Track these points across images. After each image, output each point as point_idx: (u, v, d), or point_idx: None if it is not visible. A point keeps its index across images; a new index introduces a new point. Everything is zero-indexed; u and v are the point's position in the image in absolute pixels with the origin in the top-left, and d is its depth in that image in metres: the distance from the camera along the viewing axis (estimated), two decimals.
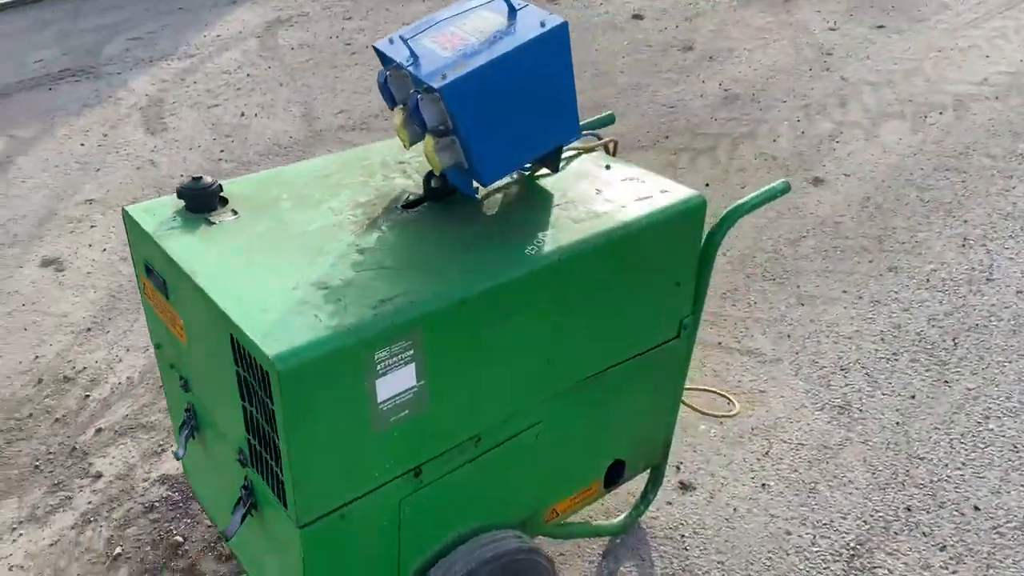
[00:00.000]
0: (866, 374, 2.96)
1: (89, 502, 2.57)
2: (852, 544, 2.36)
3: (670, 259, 1.92)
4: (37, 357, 3.22)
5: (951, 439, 2.69)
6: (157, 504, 2.55)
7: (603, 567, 2.32)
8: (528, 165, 1.98)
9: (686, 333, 2.07)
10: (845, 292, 3.39)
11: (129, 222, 1.79)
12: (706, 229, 1.99)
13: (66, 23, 7.20)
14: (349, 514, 1.57)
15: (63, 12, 7.51)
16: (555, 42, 1.70)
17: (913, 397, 2.86)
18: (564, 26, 1.70)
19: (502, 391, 1.72)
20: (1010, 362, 2.99)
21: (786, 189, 2.17)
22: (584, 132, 2.26)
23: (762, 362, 3.04)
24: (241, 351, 1.45)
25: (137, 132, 5.14)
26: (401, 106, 1.79)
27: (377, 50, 1.83)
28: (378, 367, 1.47)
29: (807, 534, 2.39)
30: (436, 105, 1.68)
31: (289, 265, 1.60)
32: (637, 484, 2.38)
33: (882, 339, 3.13)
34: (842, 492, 2.52)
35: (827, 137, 4.64)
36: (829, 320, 3.24)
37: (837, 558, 2.32)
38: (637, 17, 6.60)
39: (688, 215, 1.90)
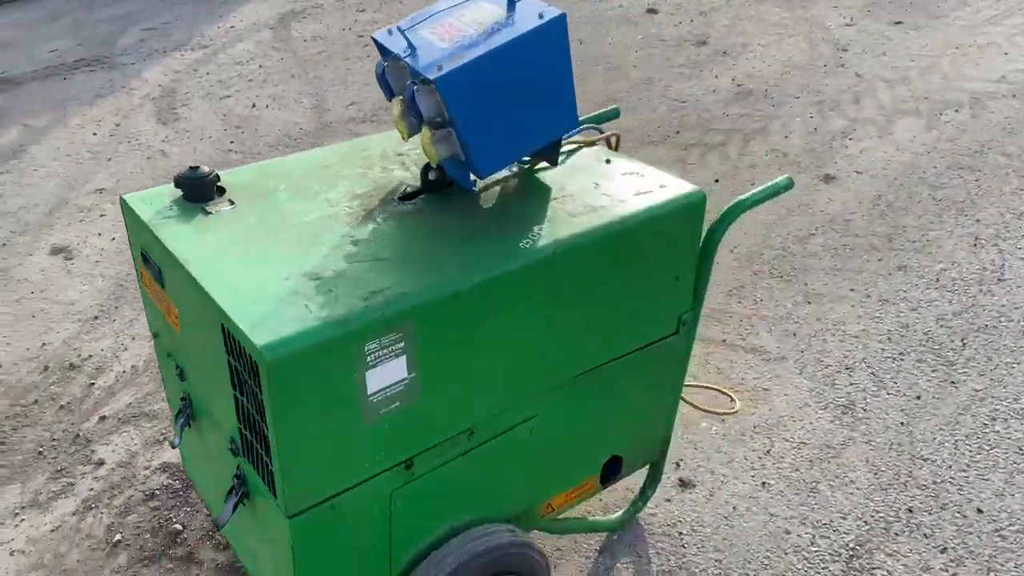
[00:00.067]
0: (871, 373, 2.94)
1: (91, 489, 2.59)
2: (851, 544, 2.34)
3: (669, 254, 1.90)
4: (44, 344, 3.24)
5: (956, 440, 2.66)
6: (158, 492, 2.56)
7: (599, 563, 2.31)
8: (527, 158, 1.97)
9: (685, 329, 2.06)
10: (853, 290, 3.36)
11: (127, 210, 1.79)
12: (708, 225, 1.98)
13: (80, 13, 7.25)
14: (339, 505, 1.57)
15: (78, 3, 7.56)
16: (553, 34, 1.69)
17: (919, 397, 2.83)
18: (562, 18, 1.68)
19: (495, 385, 1.71)
20: (1019, 363, 2.95)
21: (789, 185, 2.15)
22: (587, 126, 2.24)
23: (766, 360, 3.01)
24: (231, 340, 1.45)
25: (149, 122, 5.16)
26: (399, 97, 1.78)
27: (376, 41, 1.82)
28: (368, 359, 1.47)
29: (806, 534, 2.38)
30: (432, 97, 1.67)
31: (283, 255, 1.60)
32: (636, 480, 2.37)
33: (889, 338, 3.10)
34: (843, 492, 2.50)
35: (840, 134, 4.59)
36: (836, 318, 3.21)
37: (836, 558, 2.30)
38: (651, 11, 6.56)
39: (687, 210, 1.88)
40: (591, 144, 2.12)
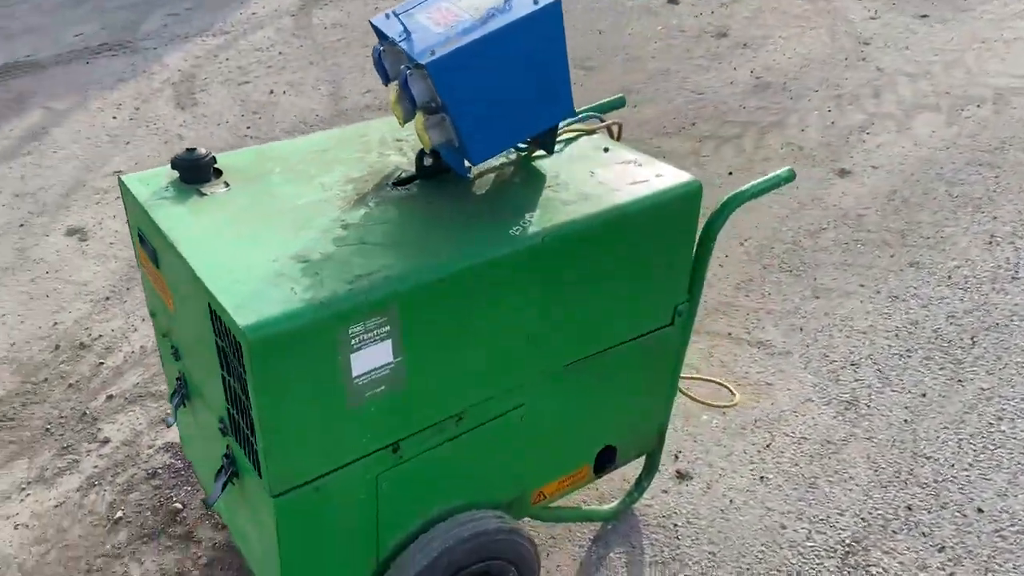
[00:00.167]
0: (877, 370, 2.91)
1: (95, 466, 2.63)
2: (848, 541, 2.32)
3: (663, 244, 1.89)
4: (56, 323, 3.29)
5: (960, 439, 2.63)
6: (160, 471, 2.60)
7: (593, 552, 2.31)
8: (524, 145, 1.97)
9: (681, 320, 2.04)
10: (863, 286, 3.32)
11: (125, 191, 1.81)
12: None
13: None
14: (324, 486, 1.58)
15: None
16: (548, 20, 1.68)
17: (924, 395, 2.80)
18: (557, 4, 1.67)
19: (484, 371, 1.72)
20: None
21: (790, 177, 2.13)
22: (589, 114, 2.24)
23: (771, 354, 2.99)
24: (217, 320, 1.46)
25: (168, 107, 5.21)
26: (395, 82, 1.78)
27: (373, 25, 1.83)
28: (352, 342, 1.47)
29: (802, 529, 2.36)
30: (425, 82, 1.67)
31: (273, 238, 1.61)
32: (633, 471, 2.37)
33: (897, 335, 3.06)
34: (842, 488, 2.48)
35: (857, 128, 4.53)
36: (844, 314, 3.18)
37: (831, 554, 2.29)
38: (672, 2, 6.51)
39: (683, 200, 1.87)
40: (591, 132, 2.11)
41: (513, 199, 1.78)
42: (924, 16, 6.02)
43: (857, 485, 2.49)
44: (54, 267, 3.66)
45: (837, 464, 2.56)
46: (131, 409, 2.86)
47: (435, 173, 1.86)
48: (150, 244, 1.75)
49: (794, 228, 3.70)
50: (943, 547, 2.30)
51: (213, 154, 1.82)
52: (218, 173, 1.84)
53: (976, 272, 3.38)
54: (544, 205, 1.75)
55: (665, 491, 2.49)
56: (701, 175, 4.08)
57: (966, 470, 2.53)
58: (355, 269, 1.51)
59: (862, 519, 2.38)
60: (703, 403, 2.71)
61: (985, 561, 2.26)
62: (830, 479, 2.51)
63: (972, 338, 3.03)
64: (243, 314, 1.38)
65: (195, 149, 1.79)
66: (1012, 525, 2.35)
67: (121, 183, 1.82)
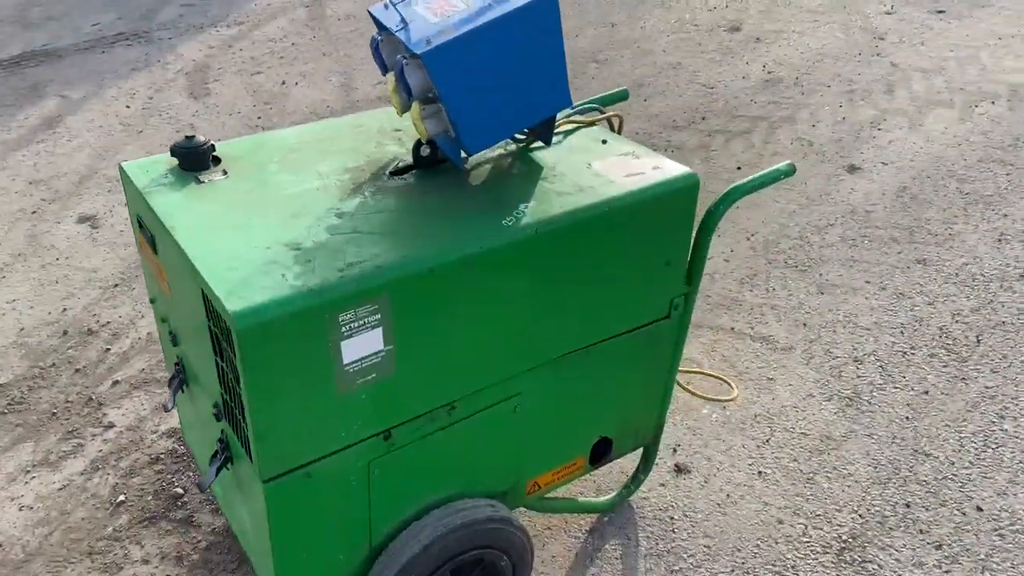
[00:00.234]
0: (880, 367, 2.89)
1: (99, 450, 2.66)
2: (844, 537, 2.32)
3: (659, 237, 1.89)
4: (65, 310, 3.33)
5: (961, 437, 2.61)
6: (163, 456, 2.63)
7: (588, 543, 2.32)
8: (522, 137, 1.98)
9: (677, 313, 2.04)
10: (868, 283, 3.31)
11: (124, 178, 1.83)
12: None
13: None
14: (316, 472, 1.60)
15: None
16: (544, 11, 1.68)
17: (927, 393, 2.78)
18: None
19: (476, 361, 1.72)
20: None
21: (790, 171, 2.12)
22: (591, 106, 2.24)
23: (773, 349, 2.99)
24: (209, 306, 1.48)
25: (181, 96, 5.24)
26: (393, 72, 1.79)
27: (371, 15, 1.83)
28: (343, 329, 1.49)
29: (799, 524, 2.36)
30: (420, 72, 1.68)
31: (267, 225, 1.63)
32: (632, 463, 2.38)
33: (901, 332, 3.05)
34: (840, 484, 2.47)
35: (868, 124, 4.50)
36: (848, 310, 3.17)
37: (827, 550, 2.28)
38: None
39: (680, 194, 1.87)
40: (591, 124, 2.11)
41: (509, 190, 1.79)
42: (941, 11, 5.97)
43: (856, 482, 2.48)
44: (64, 254, 3.70)
45: (836, 460, 2.55)
46: (136, 395, 2.89)
47: (432, 163, 1.87)
48: (148, 230, 1.77)
49: (801, 224, 3.68)
50: (940, 545, 2.29)
51: (212, 142, 1.84)
52: (217, 161, 1.86)
53: (984, 270, 3.35)
54: (539, 196, 1.76)
55: (663, 484, 2.49)
56: (709, 169, 4.08)
57: (967, 468, 2.51)
58: (347, 257, 1.53)
59: (859, 515, 2.38)
60: (702, 397, 2.71)
61: (983, 560, 2.25)
62: (829, 475, 2.51)
63: (978, 336, 3.01)
64: (233, 300, 1.40)
65: (194, 136, 1.81)
66: (1012, 524, 2.34)
67: (121, 170, 1.84)
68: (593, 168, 1.87)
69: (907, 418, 2.69)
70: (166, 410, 1.97)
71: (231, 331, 1.39)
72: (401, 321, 1.55)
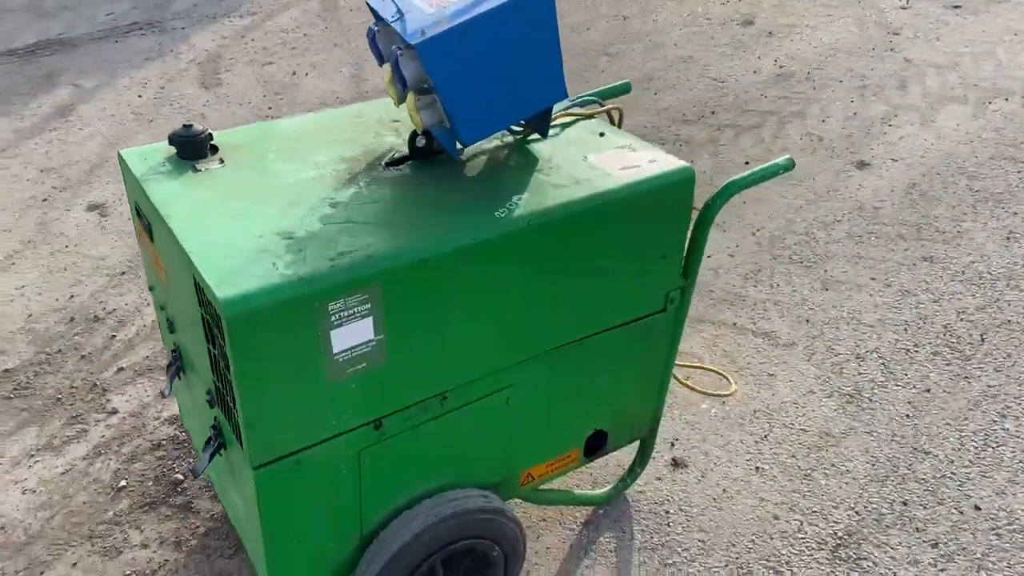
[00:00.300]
0: (882, 364, 2.88)
1: (102, 436, 2.69)
2: (840, 534, 2.31)
3: (654, 231, 1.89)
4: (72, 296, 3.37)
5: (962, 436, 2.60)
6: (164, 443, 2.66)
7: (583, 535, 2.32)
8: (519, 129, 1.98)
9: (673, 307, 2.04)
10: (873, 279, 3.29)
11: (123, 166, 1.85)
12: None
13: None
14: (306, 459, 1.61)
15: None
16: (539, 3, 1.68)
17: (928, 391, 2.77)
18: None
19: (467, 353, 1.73)
20: None
21: (789, 166, 2.12)
22: (590, 99, 2.23)
23: (775, 345, 2.98)
24: (201, 294, 1.49)
25: (192, 86, 5.27)
26: (389, 63, 1.79)
27: (369, 5, 1.84)
28: (332, 318, 1.50)
29: (795, 520, 2.35)
30: (415, 62, 1.68)
31: (261, 214, 1.64)
32: (629, 456, 2.38)
33: (905, 329, 3.03)
34: (838, 481, 2.47)
35: (879, 120, 4.47)
36: (852, 307, 3.15)
37: (822, 546, 2.28)
38: None
39: (675, 187, 1.86)
40: (589, 117, 2.11)
41: (503, 182, 1.79)
42: (957, 6, 5.90)
43: (853, 479, 2.47)
44: (74, 241, 3.74)
45: (835, 457, 2.55)
46: (140, 381, 2.92)
47: (428, 154, 1.88)
48: (145, 218, 1.79)
49: (808, 219, 3.66)
50: (936, 543, 2.28)
51: (210, 131, 1.85)
52: (215, 150, 1.87)
53: (991, 268, 3.32)
54: (533, 188, 1.76)
55: (659, 478, 2.49)
56: (717, 164, 4.07)
57: (966, 467, 2.50)
58: (339, 247, 1.53)
59: (856, 513, 2.37)
60: (699, 391, 2.71)
61: (979, 559, 2.24)
62: (826, 472, 2.50)
63: (982, 335, 2.99)
64: (223, 288, 1.41)
65: (191, 125, 1.82)
66: (1009, 524, 2.32)
67: (120, 158, 1.85)
68: (589, 161, 1.87)
69: (907, 416, 2.67)
70: (163, 396, 1.99)
71: (221, 318, 1.41)
72: (392, 311, 1.56)
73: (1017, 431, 2.60)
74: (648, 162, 1.87)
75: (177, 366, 1.96)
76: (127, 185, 1.90)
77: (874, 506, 2.39)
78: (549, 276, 1.75)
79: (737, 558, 2.25)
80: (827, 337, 3.01)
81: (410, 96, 1.73)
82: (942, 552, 2.25)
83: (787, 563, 2.23)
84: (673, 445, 2.59)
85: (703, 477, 2.49)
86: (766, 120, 4.51)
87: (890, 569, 2.21)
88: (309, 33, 6.01)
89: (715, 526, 2.34)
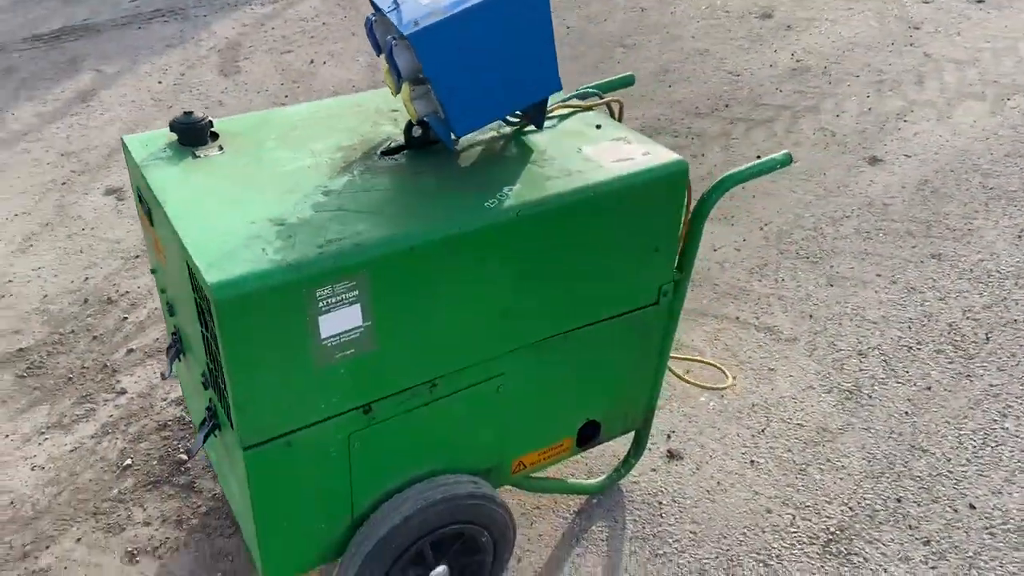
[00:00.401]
0: (884, 361, 2.87)
1: (110, 415, 2.76)
2: (832, 529, 2.32)
3: (646, 223, 1.90)
4: (87, 279, 3.43)
5: (960, 434, 2.59)
6: (170, 423, 2.71)
7: (575, 524, 2.35)
8: (515, 120, 1.99)
9: (667, 300, 2.05)
10: (879, 276, 3.27)
11: (126, 151, 1.89)
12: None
13: None
14: (296, 441, 1.65)
15: None
16: None
17: (929, 388, 2.76)
18: None
19: (456, 341, 1.75)
20: None
21: (787, 161, 2.12)
22: (590, 91, 2.24)
23: (777, 340, 2.98)
24: (192, 278, 1.53)
25: (211, 73, 5.33)
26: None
27: None
28: (320, 304, 1.53)
29: (787, 514, 2.36)
30: (408, 53, 1.71)
31: (256, 201, 1.67)
32: (624, 447, 2.40)
33: (909, 327, 3.02)
34: (832, 477, 2.47)
35: (895, 116, 4.43)
36: (857, 303, 3.14)
37: (814, 541, 2.29)
38: None
39: (668, 180, 1.87)
40: (588, 109, 2.12)
41: (496, 172, 1.81)
42: (980, 1, 5.82)
43: (848, 475, 2.48)
44: (90, 224, 3.81)
45: (830, 452, 2.55)
46: (149, 363, 2.97)
47: (423, 144, 1.90)
48: (146, 203, 1.83)
49: (817, 214, 3.65)
50: (928, 541, 2.28)
51: (210, 118, 1.89)
52: (215, 137, 1.90)
53: (1000, 267, 3.30)
54: (525, 179, 1.78)
55: (654, 469, 2.51)
56: (728, 158, 4.06)
57: (963, 466, 2.50)
58: (328, 234, 1.56)
59: (849, 508, 2.38)
60: (694, 384, 2.72)
61: (971, 557, 2.23)
62: (822, 467, 2.50)
63: (987, 334, 2.97)
64: (213, 272, 1.44)
65: (192, 112, 1.86)
66: (1003, 523, 2.32)
67: (123, 143, 1.89)
68: (583, 153, 1.89)
69: (906, 413, 2.67)
70: (163, 378, 2.04)
71: (210, 302, 1.44)
72: (379, 298, 1.59)
73: (1017, 431, 2.59)
74: (642, 155, 1.89)
75: (177, 348, 2.01)
76: (130, 170, 1.94)
77: (868, 502, 2.39)
78: (539, 267, 1.77)
79: (728, 550, 2.27)
80: (829, 333, 3.01)
81: (405, 86, 1.75)
82: (934, 550, 2.26)
83: (777, 556, 2.25)
84: (669, 437, 2.61)
85: (698, 469, 2.51)
86: (780, 114, 4.49)
87: (880, 565, 2.22)
88: (328, 22, 6.05)
89: (707, 518, 2.36)
